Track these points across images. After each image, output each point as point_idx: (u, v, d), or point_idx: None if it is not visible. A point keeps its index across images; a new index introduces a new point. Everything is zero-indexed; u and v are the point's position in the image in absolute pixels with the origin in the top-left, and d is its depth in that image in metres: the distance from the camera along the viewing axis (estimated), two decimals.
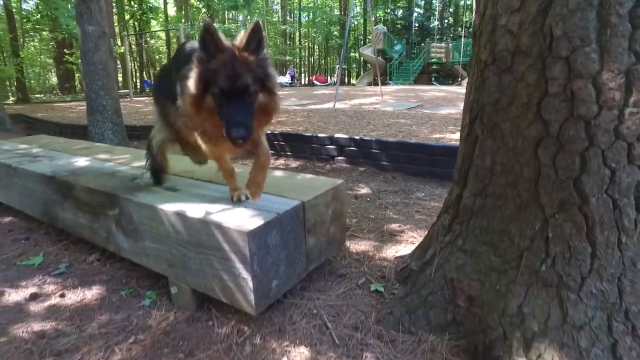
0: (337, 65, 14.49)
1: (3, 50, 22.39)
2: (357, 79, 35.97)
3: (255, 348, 2.00)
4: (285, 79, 30.63)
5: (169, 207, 2.21)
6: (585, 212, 1.62)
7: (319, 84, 31.58)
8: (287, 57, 37.07)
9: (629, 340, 1.55)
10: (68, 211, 3.02)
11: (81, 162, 3.53)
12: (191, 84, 1.70)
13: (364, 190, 4.60)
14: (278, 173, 3.01)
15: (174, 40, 33.05)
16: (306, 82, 40.49)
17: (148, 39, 34.38)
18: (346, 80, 42.35)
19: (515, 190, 1.82)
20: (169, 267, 2.34)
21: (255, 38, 1.68)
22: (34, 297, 2.57)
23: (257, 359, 1.93)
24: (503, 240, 1.87)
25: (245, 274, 1.93)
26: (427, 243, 2.37)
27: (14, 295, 2.60)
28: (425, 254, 2.28)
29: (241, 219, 1.99)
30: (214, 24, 1.93)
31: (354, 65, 45.96)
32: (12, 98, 23.96)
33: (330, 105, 11.83)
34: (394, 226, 3.48)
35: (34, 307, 2.47)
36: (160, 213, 2.24)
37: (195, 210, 2.14)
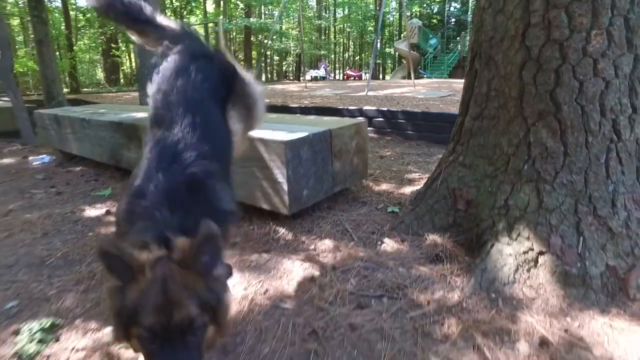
0: (373, 60, 14.80)
1: (60, 44, 24.10)
2: (391, 74, 36.01)
3: (288, 241, 2.47)
4: (320, 72, 31.18)
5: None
6: (559, 118, 1.98)
7: (353, 74, 31.92)
8: (322, 52, 37.61)
9: (590, 218, 1.90)
10: (132, 151, 3.60)
11: (140, 114, 4.13)
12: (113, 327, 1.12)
13: (389, 152, 5.00)
14: (310, 117, 3.47)
15: (212, 35, 34.28)
16: (340, 78, 40.90)
17: None
18: (380, 76, 42.45)
19: (505, 109, 2.20)
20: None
21: (209, 249, 1.10)
22: (108, 213, 3.16)
23: (290, 247, 2.40)
24: (495, 152, 2.25)
25: (281, 178, 2.40)
26: (436, 170, 2.76)
27: (94, 211, 3.19)
28: (433, 175, 2.68)
29: (279, 135, 2.46)
30: None
31: (389, 62, 45.93)
32: (65, 89, 25.74)
33: (362, 93, 12.21)
34: (413, 175, 3.87)
35: (109, 218, 3.04)
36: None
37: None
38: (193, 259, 1.08)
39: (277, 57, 42.64)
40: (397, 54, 37.37)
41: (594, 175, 1.94)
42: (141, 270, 1.05)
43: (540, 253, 1.91)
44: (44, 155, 5.36)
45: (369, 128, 6.05)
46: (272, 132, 2.59)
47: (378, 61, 42.83)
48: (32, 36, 14.25)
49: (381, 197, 3.19)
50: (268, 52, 35.97)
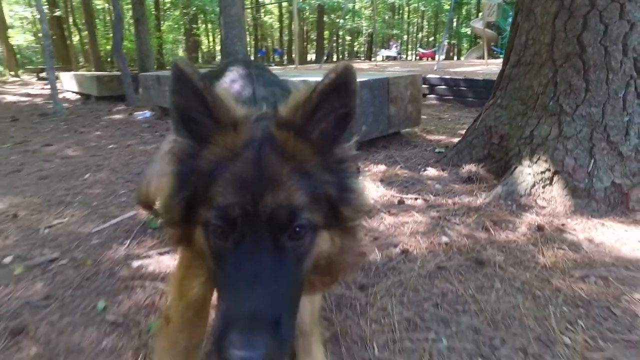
0: (444, 39, 14.63)
1: (149, 25, 26.49)
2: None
3: None
4: (392, 52, 30.92)
5: (295, 78, 3.30)
6: (584, 59, 2.29)
7: (425, 52, 31.25)
8: (394, 31, 37.12)
9: (603, 144, 2.22)
10: None
11: None
12: (167, 193, 0.80)
13: (447, 115, 5.32)
14: (364, 65, 3.95)
15: (287, 15, 35.24)
16: (412, 58, 40.10)
17: (262, 15, 37.00)
18: (455, 57, 40.94)
19: (539, 55, 2.53)
20: None
21: (337, 109, 0.74)
22: None
23: None
24: (528, 93, 2.60)
25: None
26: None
27: None
28: (475, 118, 3.06)
29: None
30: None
31: (465, 43, 44.04)
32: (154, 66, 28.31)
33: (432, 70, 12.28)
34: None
35: None
36: (289, 83, 3.35)
37: (312, 79, 3.19)
38: (310, 121, 0.73)
39: (349, 37, 42.75)
40: (473, 34, 35.75)
41: (611, 107, 2.24)
42: (232, 126, 0.73)
43: (556, 173, 2.28)
44: (146, 111, 6.38)
45: (431, 95, 6.37)
46: None
47: (453, 41, 41.27)
48: (128, 17, 15.93)
49: (431, 142, 3.62)
50: (340, 32, 36.22)
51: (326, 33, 33.32)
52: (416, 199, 2.38)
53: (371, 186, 2.56)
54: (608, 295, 1.43)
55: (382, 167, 2.92)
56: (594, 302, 1.40)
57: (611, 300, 1.40)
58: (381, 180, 2.64)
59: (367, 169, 2.92)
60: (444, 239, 1.88)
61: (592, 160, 2.22)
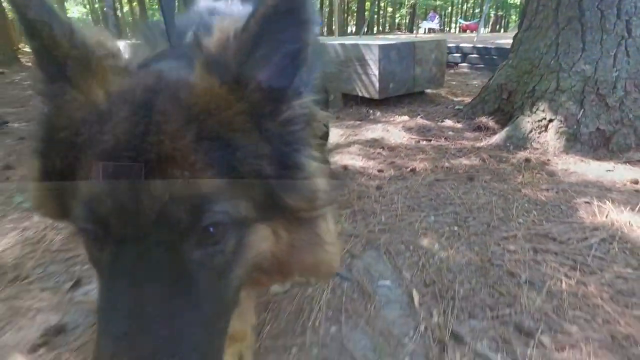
0: (486, 10, 14.31)
1: None
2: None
3: (377, 116, 3.53)
4: (434, 24, 30.23)
5: (334, 42, 3.79)
6: (582, 22, 2.66)
7: (468, 23, 30.32)
8: (438, 2, 36.10)
9: (593, 96, 2.62)
10: None
11: None
12: (31, 175, 0.57)
13: (476, 82, 5.64)
14: (403, 36, 4.37)
15: None
16: (455, 31, 38.96)
17: None
18: (502, 30, 39.43)
19: (546, 20, 2.90)
20: (328, 83, 3.98)
21: (286, 31, 0.52)
22: None
23: (376, 120, 3.46)
24: (535, 53, 2.99)
25: (375, 71, 3.43)
26: None
27: None
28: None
29: (376, 42, 3.47)
30: None
31: (513, 14, 42.21)
32: None
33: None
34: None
35: None
36: (329, 46, 3.85)
37: (349, 42, 3.67)
38: (247, 61, 0.52)
39: (390, 9, 41.94)
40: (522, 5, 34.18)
41: (602, 64, 2.62)
42: (88, 70, 0.52)
43: (550, 121, 2.70)
44: None
45: (463, 64, 6.66)
46: (372, 41, 3.61)
47: (500, 13, 39.73)
48: None
49: (453, 102, 4.05)
50: (381, 3, 35.61)
51: (367, 4, 32.93)
52: (430, 140, 2.87)
53: (393, 130, 3.07)
54: (562, 199, 1.91)
55: (405, 118, 3.41)
56: (550, 202, 1.89)
57: (562, 202, 1.88)
58: (402, 127, 3.14)
59: (391, 119, 3.42)
60: (446, 164, 2.38)
61: (582, 110, 2.62)
